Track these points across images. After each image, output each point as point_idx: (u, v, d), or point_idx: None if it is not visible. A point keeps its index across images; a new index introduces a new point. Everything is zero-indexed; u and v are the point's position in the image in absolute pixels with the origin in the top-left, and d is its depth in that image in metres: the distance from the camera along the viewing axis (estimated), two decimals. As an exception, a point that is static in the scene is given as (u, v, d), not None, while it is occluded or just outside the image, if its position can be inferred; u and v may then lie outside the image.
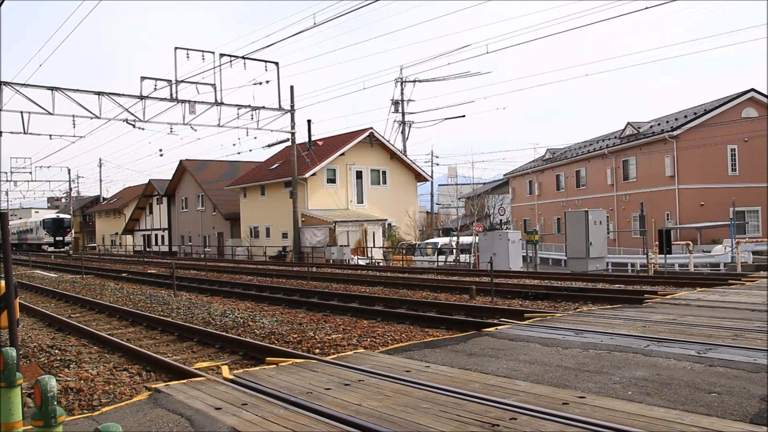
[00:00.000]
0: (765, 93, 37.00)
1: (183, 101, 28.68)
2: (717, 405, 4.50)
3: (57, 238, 64.38)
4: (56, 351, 9.48)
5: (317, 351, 8.61)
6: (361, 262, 32.44)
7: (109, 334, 10.72)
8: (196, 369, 7.18)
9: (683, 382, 5.15)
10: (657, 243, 24.94)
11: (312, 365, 6.42)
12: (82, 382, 7.35)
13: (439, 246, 34.33)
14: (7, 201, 75.19)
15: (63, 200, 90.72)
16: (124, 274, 26.18)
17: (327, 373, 5.98)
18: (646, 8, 18.39)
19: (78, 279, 24.86)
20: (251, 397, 5.16)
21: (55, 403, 2.87)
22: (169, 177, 57.30)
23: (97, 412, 5.19)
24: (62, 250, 61.22)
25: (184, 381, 6.04)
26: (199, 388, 5.58)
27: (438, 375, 5.71)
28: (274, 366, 6.53)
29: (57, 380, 6.40)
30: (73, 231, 67.17)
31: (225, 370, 6.32)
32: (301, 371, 6.12)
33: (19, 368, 3.59)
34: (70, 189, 67.01)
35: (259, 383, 5.62)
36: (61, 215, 67.91)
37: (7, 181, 57.15)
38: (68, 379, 7.52)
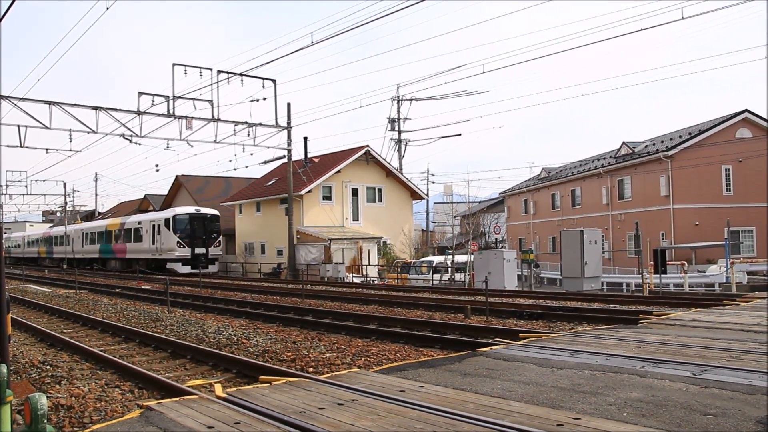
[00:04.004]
0: (760, 114, 37.28)
1: (180, 117, 28.72)
2: (713, 427, 4.47)
3: (197, 251, 37.34)
4: (48, 367, 9.40)
5: (311, 370, 8.56)
6: (356, 280, 32.35)
7: (101, 350, 10.64)
8: (188, 387, 7.13)
9: (678, 403, 5.12)
10: (652, 263, 24.98)
11: (306, 384, 6.38)
12: (74, 398, 7.28)
13: (434, 264, 34.30)
14: (2, 214, 73.67)
15: (58, 214, 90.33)
16: (117, 290, 26.05)
17: (321, 392, 5.94)
18: (641, 30, 18.59)
19: (71, 294, 24.71)
20: (244, 416, 5.12)
21: (45, 421, 2.85)
22: (165, 192, 57.28)
23: (87, 430, 5.14)
24: (206, 271, 36.08)
25: (177, 399, 5.98)
26: (191, 406, 5.53)
27: (432, 395, 5.67)
28: (268, 384, 6.49)
29: (48, 397, 6.33)
30: (221, 238, 40.23)
31: (218, 388, 6.27)
32: (295, 390, 6.08)
33: (9, 384, 3.56)
34: (66, 203, 66.62)
35: (252, 402, 5.58)
36: (203, 209, 39.84)
37: (2, 194, 56.93)
38: (59, 395, 7.45)
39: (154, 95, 27.73)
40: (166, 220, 37.84)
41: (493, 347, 8.44)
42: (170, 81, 27.93)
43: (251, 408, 5.36)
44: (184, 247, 37.02)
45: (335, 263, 33.96)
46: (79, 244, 51.50)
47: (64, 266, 53.19)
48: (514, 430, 4.48)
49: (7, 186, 53.59)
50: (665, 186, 36.54)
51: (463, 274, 31.16)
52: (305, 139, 38.58)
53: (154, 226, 39.04)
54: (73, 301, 21.65)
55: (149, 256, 39.31)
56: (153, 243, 38.84)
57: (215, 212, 39.74)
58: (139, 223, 41.57)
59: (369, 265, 36.11)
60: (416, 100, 50.33)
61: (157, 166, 67.20)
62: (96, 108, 27.58)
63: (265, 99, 31.35)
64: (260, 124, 32.02)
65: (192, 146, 31.22)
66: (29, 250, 67.97)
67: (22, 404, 5.90)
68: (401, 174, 45.06)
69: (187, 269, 35.85)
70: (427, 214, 57.88)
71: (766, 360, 6.80)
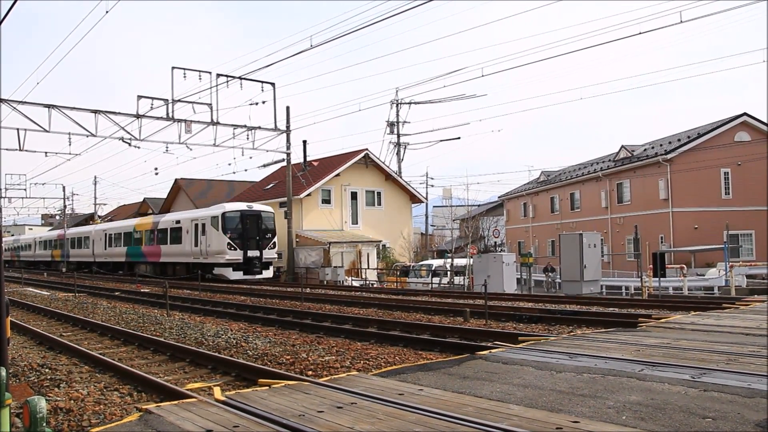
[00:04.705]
0: (758, 117, 37.34)
1: (179, 120, 28.74)
2: (711, 430, 4.48)
3: (250, 253, 32.29)
4: (47, 370, 9.39)
5: (310, 373, 8.56)
6: (355, 284, 32.36)
7: (100, 354, 10.63)
8: (187, 390, 7.12)
9: (677, 406, 5.13)
10: (651, 266, 25.00)
11: (305, 387, 6.38)
12: (72, 402, 7.27)
13: (433, 268, 34.31)
14: (1, 217, 72.55)
15: (57, 217, 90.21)
16: (117, 293, 26.03)
17: (320, 395, 5.94)
18: (640, 33, 18.64)
19: (71, 297, 24.69)
20: (243, 419, 5.12)
21: (44, 424, 2.85)
22: (164, 196, 57.29)
23: (86, 434, 5.14)
24: (260, 278, 32.69)
25: (176, 402, 5.98)
26: (190, 410, 5.53)
27: (431, 398, 5.67)
28: (267, 388, 6.49)
29: (47, 400, 6.33)
30: (276, 239, 34.33)
31: (217, 392, 6.26)
32: (294, 393, 6.08)
33: (8, 387, 3.56)
34: (65, 206, 66.54)
35: (251, 405, 5.58)
36: (256, 206, 34.69)
37: (2, 197, 56.71)
38: (58, 398, 7.44)
39: (153, 98, 27.75)
40: (214, 219, 32.39)
41: (492, 350, 8.44)
42: (169, 84, 27.97)
43: (250, 411, 5.36)
44: (235, 249, 31.73)
45: (334, 267, 33.97)
46: (101, 247, 46.47)
47: (63, 269, 52.49)
48: (513, 433, 4.48)
49: (6, 189, 53.58)
50: (664, 189, 36.58)
51: (462, 277, 31.18)
52: (304, 142, 38.63)
53: (197, 225, 33.61)
54: (72, 304, 21.64)
55: (190, 260, 34.30)
56: (196, 245, 33.55)
57: (269, 209, 34.85)
58: (178, 222, 36.23)
59: (368, 268, 36.12)
60: (415, 103, 50.40)
61: (156, 169, 66.78)
62: (95, 111, 27.61)
63: (264, 102, 31.40)
64: (259, 127, 32.04)
65: (191, 150, 31.29)
66: (41, 253, 63.16)
67: (21, 407, 5.90)
68: (400, 177, 45.10)
69: (238, 275, 31.00)
70: (427, 217, 57.88)
71: (765, 363, 6.80)
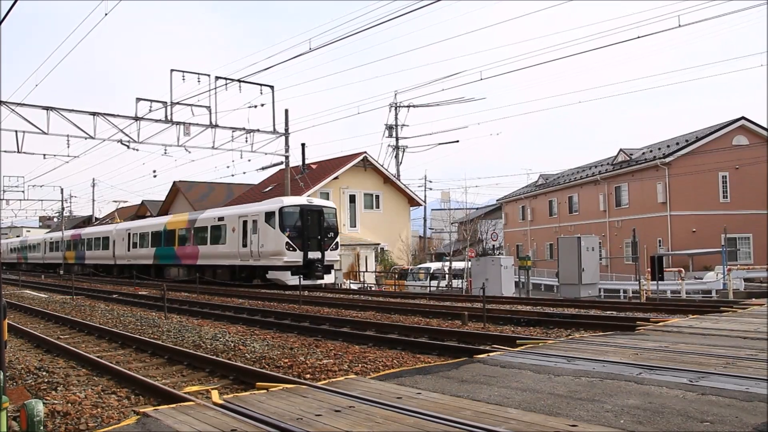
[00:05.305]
0: (756, 121, 37.44)
1: (178, 123, 28.73)
2: (709, 434, 4.47)
3: (311, 255, 27.84)
4: (44, 373, 9.37)
5: (308, 376, 8.54)
6: (353, 287, 32.34)
7: (98, 357, 10.61)
8: (185, 393, 7.11)
9: (675, 410, 5.13)
10: (649, 269, 25.04)
11: (303, 391, 6.37)
12: (70, 405, 7.25)
13: (431, 271, 34.32)
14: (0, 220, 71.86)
15: (55, 219, 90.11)
16: (114, 296, 25.99)
17: (318, 398, 5.93)
18: (639, 37, 18.69)
19: (68, 300, 24.65)
20: (241, 423, 5.11)
21: (42, 428, 2.84)
22: (162, 198, 57.28)
23: (83, 437, 5.12)
24: (321, 283, 28.54)
25: (174, 405, 5.97)
26: (188, 413, 5.52)
27: (429, 402, 5.67)
28: (265, 391, 6.48)
29: (44, 403, 6.31)
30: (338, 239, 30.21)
31: (215, 395, 6.25)
32: (292, 397, 6.07)
33: (5, 391, 3.55)
34: (63, 208, 66.48)
35: (249, 408, 5.57)
36: (316, 200, 30.89)
37: (0, 199, 56.54)
38: (55, 402, 7.42)
39: (152, 101, 27.75)
40: (269, 214, 27.99)
41: (491, 354, 8.43)
42: (168, 87, 27.96)
43: (248, 414, 5.35)
44: (294, 250, 27.34)
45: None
46: (123, 248, 41.93)
47: (61, 272, 51.77)
48: (511, 437, 4.47)
49: (4, 191, 53.49)
50: (662, 193, 36.64)
51: (460, 280, 31.18)
52: (303, 145, 38.61)
53: (245, 222, 29.42)
54: (69, 306, 21.60)
55: (236, 263, 29.98)
56: (244, 245, 29.20)
57: (331, 204, 30.56)
58: (221, 219, 31.79)
59: (366, 271, 36.12)
60: (414, 106, 50.50)
61: (154, 171, 66.66)
62: (94, 113, 27.58)
63: (263, 105, 31.39)
64: (258, 130, 32.04)
65: (190, 152, 31.20)
66: (52, 255, 57.44)
67: (18, 411, 5.89)
68: (399, 180, 45.14)
69: (297, 280, 25.62)
70: (425, 220, 57.90)
71: (764, 367, 6.81)
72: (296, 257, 27.34)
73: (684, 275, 26.69)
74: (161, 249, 37.17)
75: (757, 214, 35.20)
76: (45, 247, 59.95)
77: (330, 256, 28.64)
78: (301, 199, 30.01)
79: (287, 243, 27.30)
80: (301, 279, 25.05)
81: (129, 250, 41.25)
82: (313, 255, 27.75)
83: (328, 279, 29.03)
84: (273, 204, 28.88)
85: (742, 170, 36.24)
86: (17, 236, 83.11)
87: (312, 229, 28.12)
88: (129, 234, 41.51)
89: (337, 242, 29.47)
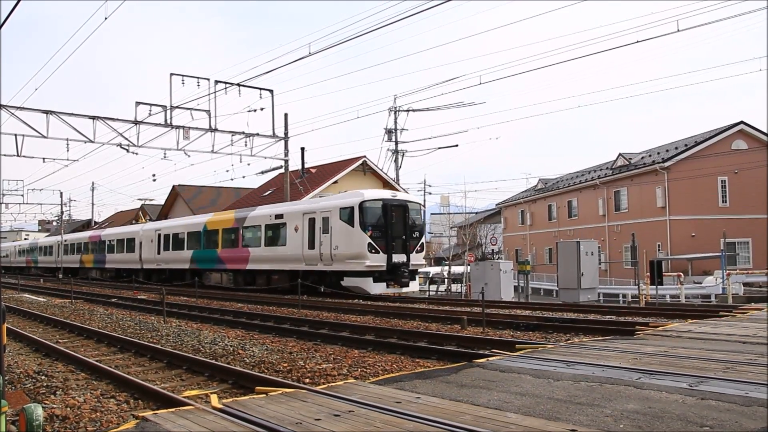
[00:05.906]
0: (755, 126, 37.51)
1: (177, 127, 28.74)
2: (709, 439, 4.47)
3: (395, 258, 23.43)
4: (43, 377, 9.36)
5: (307, 380, 8.54)
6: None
7: (97, 361, 10.59)
8: (184, 397, 7.10)
9: (675, 415, 5.12)
10: (648, 274, 25.03)
11: (302, 395, 6.36)
12: (69, 409, 7.24)
13: (430, 275, 34.30)
14: (0, 223, 71.21)
15: (54, 223, 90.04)
16: (113, 300, 25.97)
17: (317, 403, 5.92)
18: (637, 42, 18.71)
19: (67, 304, 24.63)
20: (240, 427, 5.10)
21: (41, 431, 2.84)
22: (162, 202, 57.28)
23: (82, 441, 5.12)
24: (405, 291, 24.46)
25: (173, 409, 5.96)
26: (187, 417, 5.51)
27: (428, 406, 5.66)
28: (264, 395, 6.47)
29: (43, 407, 6.31)
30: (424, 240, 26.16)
31: (214, 399, 6.25)
32: (291, 401, 6.06)
33: (4, 395, 3.54)
34: (62, 212, 66.45)
35: (248, 413, 5.56)
36: (401, 195, 27.43)
37: (0, 203, 56.44)
38: (54, 406, 7.41)
39: (151, 105, 27.80)
40: (346, 210, 23.71)
41: (490, 358, 8.43)
42: (168, 91, 27.99)
43: (247, 419, 5.34)
44: (377, 252, 23.15)
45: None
46: (152, 251, 37.19)
47: (59, 275, 50.17)
48: (511, 441, 4.47)
49: (3, 195, 53.50)
50: (661, 197, 36.67)
51: (459, 285, 31.17)
52: (302, 149, 38.57)
53: (312, 219, 25.06)
54: (68, 310, 21.59)
55: (300, 267, 25.38)
56: (311, 246, 24.91)
57: (416, 199, 27.17)
58: (279, 216, 27.25)
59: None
60: (413, 110, 50.42)
61: (154, 175, 66.86)
62: (93, 117, 27.61)
63: (262, 109, 31.44)
64: (257, 134, 32.07)
65: (189, 156, 31.34)
66: (68, 259, 51.92)
67: (17, 415, 5.88)
68: (398, 185, 45.11)
69: (380, 288, 22.90)
70: (424, 224, 57.91)
71: (764, 371, 6.80)
72: (380, 261, 23.28)
73: (683, 280, 26.69)
74: (200, 251, 32.78)
75: (756, 218, 35.23)
76: (58, 250, 54.44)
77: (416, 259, 24.69)
78: (384, 193, 26.05)
79: (370, 244, 23.19)
80: (385, 286, 22.58)
81: (159, 252, 36.72)
82: (398, 258, 23.68)
83: (413, 287, 25.36)
84: (350, 198, 24.50)
85: (742, 174, 36.28)
86: (25, 238, 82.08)
87: (396, 228, 24.06)
88: (159, 235, 36.93)
89: (422, 243, 25.56)
